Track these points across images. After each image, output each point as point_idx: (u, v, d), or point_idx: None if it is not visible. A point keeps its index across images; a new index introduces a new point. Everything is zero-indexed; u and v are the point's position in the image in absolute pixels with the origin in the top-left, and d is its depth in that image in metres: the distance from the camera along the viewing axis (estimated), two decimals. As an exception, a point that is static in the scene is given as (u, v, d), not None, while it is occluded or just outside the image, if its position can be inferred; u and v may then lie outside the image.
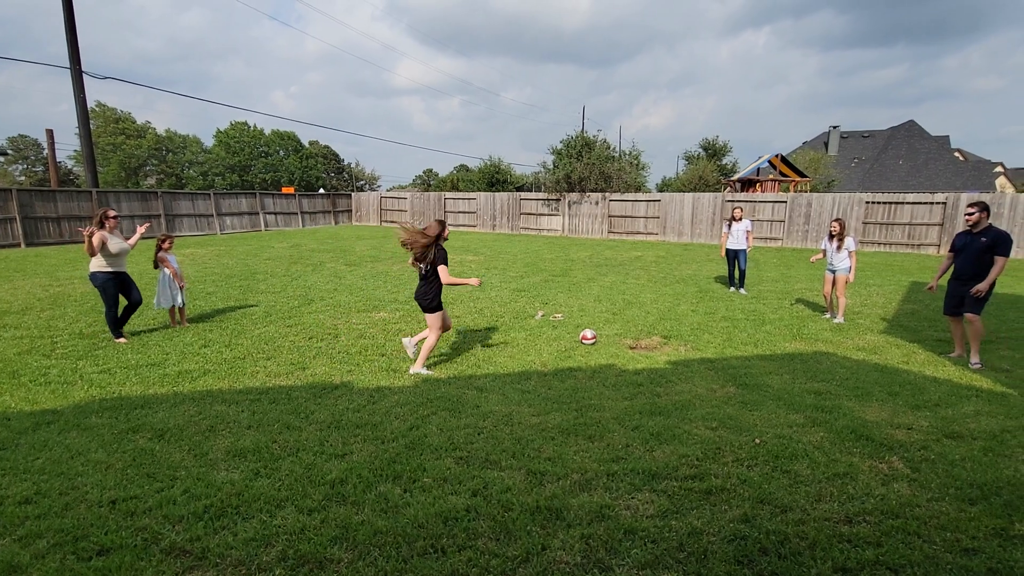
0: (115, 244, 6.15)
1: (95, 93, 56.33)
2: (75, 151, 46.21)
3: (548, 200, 23.47)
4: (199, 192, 22.84)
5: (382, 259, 13.88)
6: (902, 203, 17.02)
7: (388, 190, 52.53)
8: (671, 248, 17.88)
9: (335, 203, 29.21)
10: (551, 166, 24.49)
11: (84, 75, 18.52)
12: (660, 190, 43.35)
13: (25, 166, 55.53)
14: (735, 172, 33.73)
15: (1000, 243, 5.38)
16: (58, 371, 5.10)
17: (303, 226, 26.66)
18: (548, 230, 23.60)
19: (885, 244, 17.21)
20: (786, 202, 18.68)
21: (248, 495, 3.01)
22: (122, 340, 6.14)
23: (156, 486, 3.12)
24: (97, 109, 51.07)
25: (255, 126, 57.64)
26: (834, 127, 41.95)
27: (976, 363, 5.48)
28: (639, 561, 2.50)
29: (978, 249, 5.47)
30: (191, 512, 2.85)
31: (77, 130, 19.20)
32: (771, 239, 18.85)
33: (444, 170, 71.44)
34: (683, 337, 6.56)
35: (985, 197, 16.25)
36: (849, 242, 7.41)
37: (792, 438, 3.78)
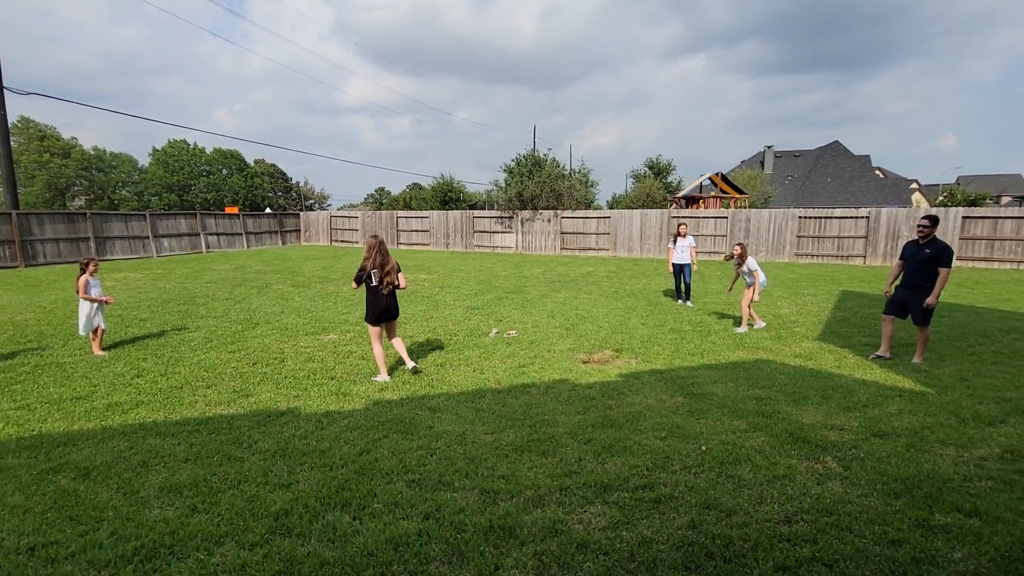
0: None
1: (19, 108, 52.53)
2: (-8, 170, 42.92)
3: (501, 218, 23.68)
4: (133, 213, 21.63)
5: (332, 279, 13.54)
6: (831, 218, 18.24)
7: (338, 209, 51.46)
8: (622, 263, 18.37)
9: (282, 223, 28.35)
10: (503, 184, 24.78)
11: (5, 90, 17.32)
12: (610, 207, 44.60)
13: (-68, 186, 51.05)
14: (679, 189, 35.23)
15: (942, 255, 5.83)
16: (-34, 409, 4.66)
17: (248, 247, 25.68)
18: (502, 247, 23.76)
19: (817, 256, 18.35)
20: (727, 218, 19.63)
21: (184, 533, 2.84)
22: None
23: (80, 529, 2.88)
24: (20, 124, 47.74)
25: (195, 144, 55.41)
26: (768, 147, 44.70)
27: (918, 361, 6.00)
28: (591, 574, 2.52)
29: (923, 259, 5.92)
30: (119, 555, 2.65)
31: (-6, 148, 17.85)
32: (715, 253, 19.72)
33: (396, 188, 70.85)
34: (634, 350, 6.73)
35: (903, 211, 17.66)
36: (751, 261, 7.80)
37: (736, 444, 3.93)
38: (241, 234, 25.59)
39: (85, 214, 19.58)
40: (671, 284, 12.48)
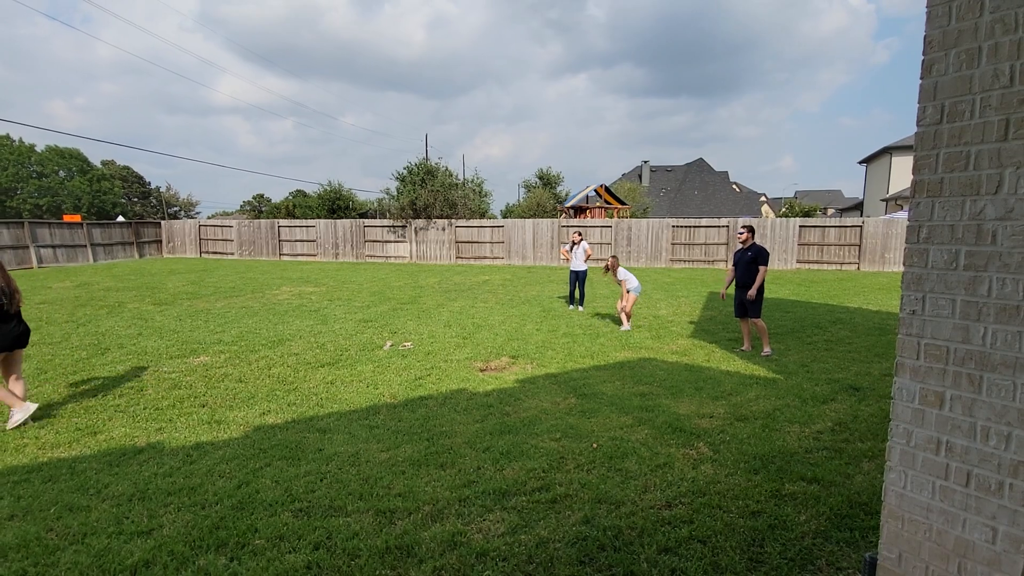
0: None
1: None
2: None
3: (394, 227, 23.13)
4: (-65, 221, 17.78)
5: (203, 295, 12.24)
6: (699, 226, 20.32)
7: (209, 217, 46.69)
8: (516, 271, 18.83)
9: (139, 232, 25.09)
10: (396, 192, 24.25)
11: None
12: (504, 216, 45.58)
13: None
14: (568, 199, 37.06)
15: (760, 255, 6.87)
16: None
17: (95, 260, 22.34)
18: (395, 257, 23.19)
19: (689, 261, 20.31)
20: (611, 227, 21.02)
21: (7, 606, 2.36)
22: None
23: None
24: None
25: (21, 140, 47.18)
26: (645, 162, 48.73)
27: (767, 352, 6.80)
28: (492, 583, 2.52)
29: (747, 261, 6.94)
30: (-89, 647, 2.13)
31: None
32: (601, 260, 20.99)
33: (278, 196, 66.11)
34: (529, 355, 6.90)
35: (753, 221, 20.23)
36: (621, 271, 8.75)
37: (623, 438, 4.19)
38: (85, 246, 22.19)
39: None
40: (564, 290, 13.04)
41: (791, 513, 3.07)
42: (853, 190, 62.29)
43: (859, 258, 18.33)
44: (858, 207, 40.96)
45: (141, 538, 2.89)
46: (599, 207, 26.80)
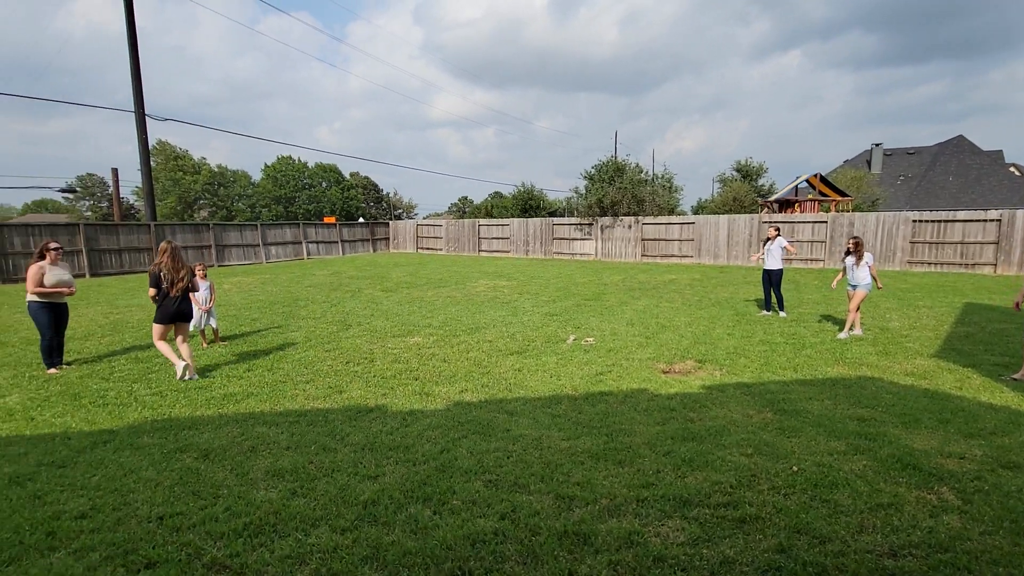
0: (52, 276, 6.24)
1: (157, 133, 60.46)
2: (136, 187, 49.55)
3: (581, 225, 23.56)
4: (247, 224, 24.06)
5: (418, 285, 14.19)
6: (953, 221, 16.26)
7: (424, 218, 53.83)
8: (707, 271, 17.57)
9: (374, 231, 30.15)
10: (583, 191, 24.67)
11: (147, 117, 20.02)
12: (695, 213, 42.82)
13: (92, 202, 59.76)
14: (772, 193, 33.05)
15: None
16: (115, 393, 5.43)
17: (343, 254, 27.58)
18: (581, 254, 23.62)
19: (935, 264, 16.41)
20: (827, 222, 18.14)
21: (285, 514, 3.13)
22: (54, 371, 6.21)
23: (200, 503, 3.27)
24: (158, 147, 54.80)
25: (299, 160, 60.53)
26: (876, 144, 40.66)
27: None
28: (668, 589, 2.46)
29: None
30: (231, 529, 2.97)
31: (140, 168, 20.66)
32: (812, 260, 18.28)
33: (479, 197, 72.76)
34: (718, 361, 6.42)
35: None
36: (868, 257, 7.61)
37: (832, 466, 3.64)
38: (337, 242, 27.56)
39: (208, 225, 22.08)
40: (761, 293, 11.74)
41: (1088, 600, 2.31)
42: None
43: None
44: None
45: (370, 481, 3.53)
46: (811, 200, 23.29)
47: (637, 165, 24.45)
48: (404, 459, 3.86)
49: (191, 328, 7.32)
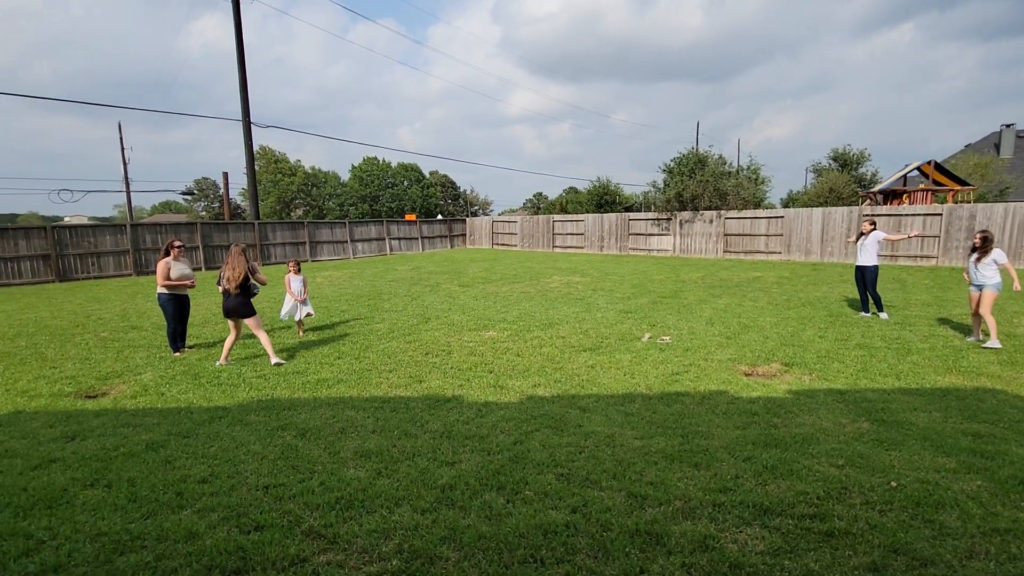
0: (176, 271, 7.09)
1: (260, 139, 66.22)
2: (243, 189, 54.61)
3: (658, 219, 22.84)
4: (336, 221, 25.74)
5: (493, 281, 14.49)
6: (1106, 212, 13.97)
7: (499, 214, 54.64)
8: (797, 268, 16.41)
9: (451, 228, 31.09)
10: (662, 185, 23.88)
11: (252, 125, 21.99)
12: (785, 206, 40.00)
13: (206, 203, 66.63)
14: (875, 183, 30.12)
15: None
16: (227, 375, 6.09)
17: (423, 250, 28.72)
18: (658, 250, 22.91)
19: (1083, 262, 14.19)
20: (941, 215, 16.27)
21: (371, 492, 3.38)
22: (178, 354, 7.00)
23: (299, 477, 3.61)
24: (260, 151, 59.96)
25: (383, 160, 63.62)
26: (1007, 125, 35.67)
27: None
28: (745, 597, 2.39)
29: None
30: (325, 502, 3.27)
31: (245, 171, 22.76)
32: (923, 257, 16.48)
33: (553, 193, 72.72)
34: (808, 365, 6.03)
35: None
36: (997, 254, 6.76)
37: (939, 484, 3.33)
38: (417, 238, 28.75)
39: (303, 223, 23.88)
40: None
41: None
42: None
43: None
44: None
45: (447, 467, 3.72)
46: (923, 189, 20.96)
47: (720, 156, 23.28)
48: (479, 448, 4.01)
49: (283, 316, 8.08)
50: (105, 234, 18.18)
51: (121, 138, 31.85)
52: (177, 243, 7.24)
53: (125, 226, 18.62)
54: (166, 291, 7.11)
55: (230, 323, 6.68)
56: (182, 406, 5.10)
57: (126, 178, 32.17)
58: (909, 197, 20.76)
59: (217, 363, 6.49)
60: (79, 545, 2.87)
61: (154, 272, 8.52)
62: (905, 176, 22.08)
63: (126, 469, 3.75)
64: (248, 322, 6.58)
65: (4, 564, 2.72)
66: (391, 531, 2.95)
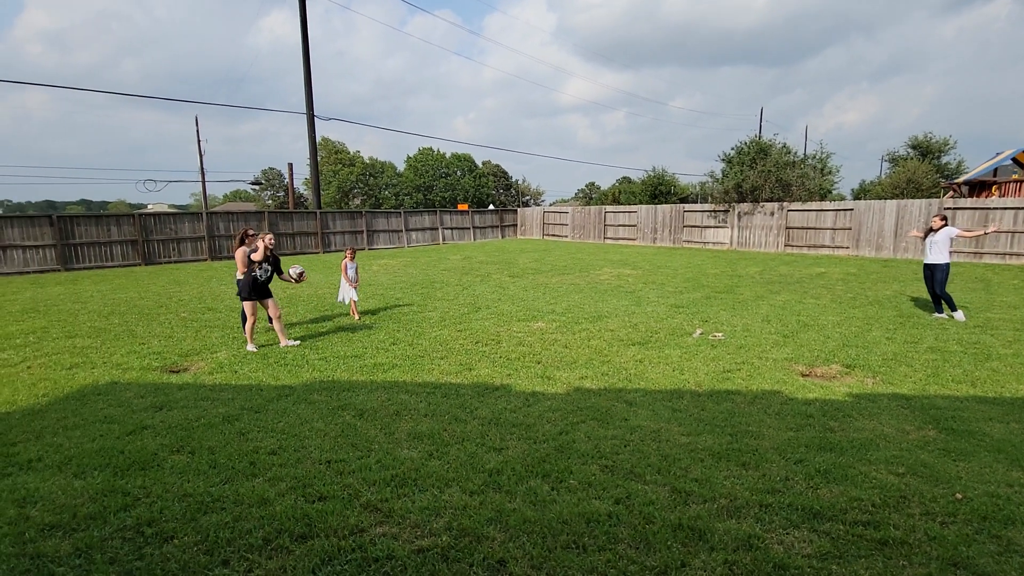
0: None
1: (322, 131, 69.00)
2: (306, 179, 57.14)
3: (715, 211, 22.09)
4: (392, 211, 26.53)
5: (543, 271, 14.56)
6: None
7: (550, 205, 54.41)
8: (865, 264, 15.46)
9: (502, 218, 31.31)
10: (720, 175, 23.03)
11: (315, 118, 22.96)
12: (856, 197, 37.56)
13: (272, 192, 70.22)
14: (960, 173, 27.74)
15: None
16: (292, 356, 6.51)
17: (474, 240, 29.12)
18: (714, 243, 22.18)
19: None
20: (1038, 208, 14.82)
21: (423, 472, 3.58)
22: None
23: (357, 454, 3.87)
24: (322, 143, 62.44)
25: (438, 150, 64.69)
26: (1126, 107, 31.75)
27: None
28: (788, 598, 2.39)
29: None
30: (382, 478, 3.49)
31: (308, 162, 23.84)
32: (1012, 255, 15.11)
33: (606, 183, 71.53)
34: (871, 368, 5.75)
35: None
36: None
37: (1011, 499, 3.14)
38: (469, 228, 29.17)
39: (361, 212, 24.79)
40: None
41: None
42: None
43: None
44: None
45: (495, 453, 3.87)
46: (1016, 180, 19.11)
47: (784, 145, 22.13)
48: (526, 436, 4.13)
49: (342, 300, 8.71)
50: (184, 221, 19.62)
51: (198, 131, 34.12)
52: (252, 232, 7.75)
53: (201, 214, 20.02)
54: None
55: (258, 304, 7.13)
56: (253, 383, 5.53)
57: (202, 168, 34.52)
58: (999, 189, 19.03)
59: (282, 344, 6.97)
60: (169, 503, 3.23)
61: (226, 257, 9.18)
62: (996, 166, 20.22)
63: (207, 438, 4.14)
64: (268, 303, 7.15)
65: (105, 517, 3.10)
66: (441, 509, 3.13)
